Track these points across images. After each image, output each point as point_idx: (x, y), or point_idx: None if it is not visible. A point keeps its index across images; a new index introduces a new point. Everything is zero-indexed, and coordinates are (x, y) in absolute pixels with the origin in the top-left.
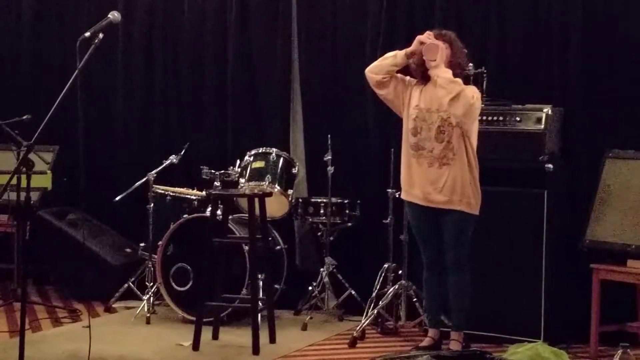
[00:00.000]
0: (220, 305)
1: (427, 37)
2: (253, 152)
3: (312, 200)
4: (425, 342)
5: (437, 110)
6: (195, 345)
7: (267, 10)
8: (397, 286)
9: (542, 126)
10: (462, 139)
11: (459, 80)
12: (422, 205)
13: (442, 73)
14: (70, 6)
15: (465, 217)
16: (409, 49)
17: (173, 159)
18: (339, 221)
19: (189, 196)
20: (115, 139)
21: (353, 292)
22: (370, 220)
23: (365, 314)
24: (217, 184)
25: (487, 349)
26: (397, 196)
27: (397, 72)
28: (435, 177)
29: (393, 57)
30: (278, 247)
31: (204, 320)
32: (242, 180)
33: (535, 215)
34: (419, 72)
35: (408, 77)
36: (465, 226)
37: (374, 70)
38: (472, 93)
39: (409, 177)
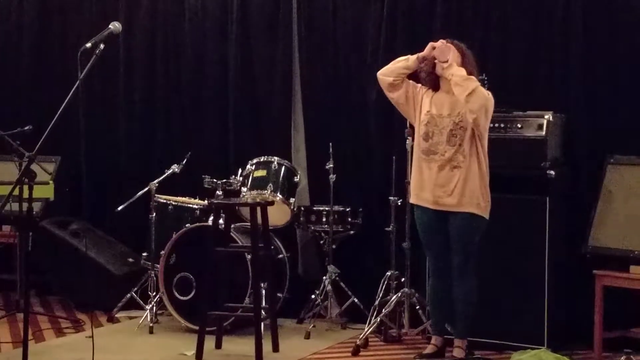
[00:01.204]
0: (223, 314)
1: (440, 42)
2: (255, 160)
3: (314, 208)
4: (429, 349)
5: (448, 115)
6: (199, 355)
7: (267, 19)
8: (400, 294)
9: (544, 133)
10: (474, 141)
11: (473, 77)
12: (432, 209)
13: (456, 71)
14: (72, 16)
15: (474, 219)
16: (421, 54)
17: (175, 168)
18: (341, 229)
19: (191, 205)
20: (117, 149)
21: (356, 300)
22: (373, 228)
23: (368, 322)
24: (219, 193)
25: (490, 356)
26: (399, 204)
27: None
28: (445, 181)
29: (405, 61)
30: (280, 256)
31: (207, 329)
32: (244, 189)
33: (537, 222)
34: (429, 80)
35: (419, 84)
36: (473, 228)
37: (386, 73)
38: (486, 90)
39: (419, 181)
